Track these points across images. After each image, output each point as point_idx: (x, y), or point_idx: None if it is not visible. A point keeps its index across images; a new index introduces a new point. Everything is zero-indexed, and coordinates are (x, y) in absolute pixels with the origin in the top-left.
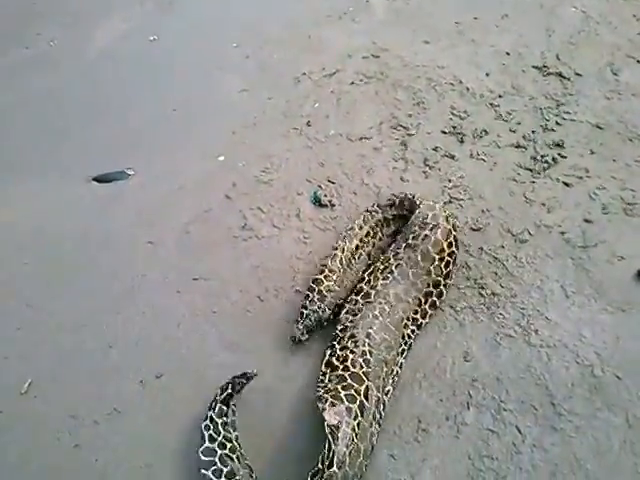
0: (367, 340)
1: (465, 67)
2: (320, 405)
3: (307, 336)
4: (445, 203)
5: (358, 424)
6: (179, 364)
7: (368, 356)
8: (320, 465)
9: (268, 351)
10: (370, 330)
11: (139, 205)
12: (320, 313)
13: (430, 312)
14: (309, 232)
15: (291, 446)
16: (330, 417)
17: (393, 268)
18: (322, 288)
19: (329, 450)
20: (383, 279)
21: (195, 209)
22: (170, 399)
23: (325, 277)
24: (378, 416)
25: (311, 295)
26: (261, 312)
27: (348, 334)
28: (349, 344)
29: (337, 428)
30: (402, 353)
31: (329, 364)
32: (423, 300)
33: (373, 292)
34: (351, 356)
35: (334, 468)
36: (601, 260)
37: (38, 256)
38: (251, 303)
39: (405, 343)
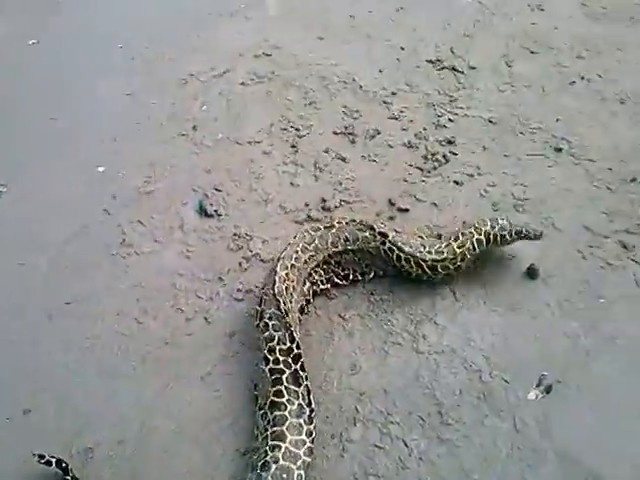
0: None
1: (359, 64)
2: None
3: None
4: (337, 207)
5: None
6: (50, 395)
7: None
8: None
9: (147, 376)
10: None
11: (10, 224)
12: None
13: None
14: (193, 245)
15: None
16: None
17: None
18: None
19: None
20: None
21: (71, 226)
22: (39, 435)
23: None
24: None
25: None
26: (139, 335)
27: None
28: None
29: None
30: None
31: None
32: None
33: None
34: None
35: None
36: (491, 260)
37: None
38: (128, 327)
39: None
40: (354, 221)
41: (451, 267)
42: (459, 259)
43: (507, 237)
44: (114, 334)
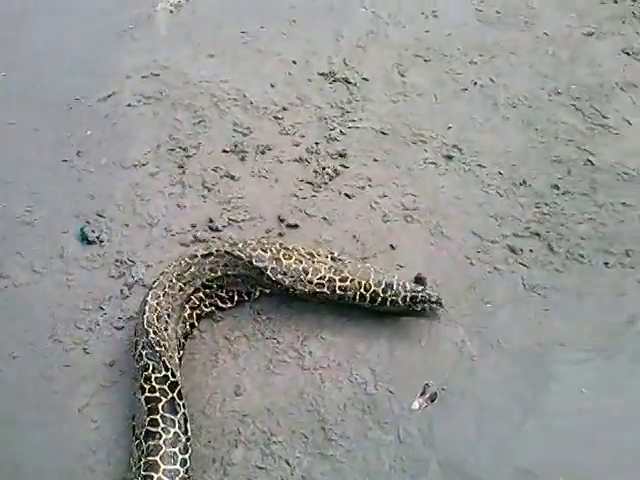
0: None
1: (250, 80)
2: None
3: None
4: (225, 226)
5: None
6: None
7: None
8: None
9: (22, 412)
10: None
11: None
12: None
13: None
14: (73, 274)
15: None
16: None
17: None
18: None
19: None
20: None
21: None
22: None
23: None
24: None
25: None
26: (13, 370)
27: None
28: None
29: None
30: None
31: None
32: None
33: None
34: None
35: None
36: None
37: None
38: (5, 361)
39: None
40: (229, 253)
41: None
42: (337, 298)
43: (399, 302)
44: None
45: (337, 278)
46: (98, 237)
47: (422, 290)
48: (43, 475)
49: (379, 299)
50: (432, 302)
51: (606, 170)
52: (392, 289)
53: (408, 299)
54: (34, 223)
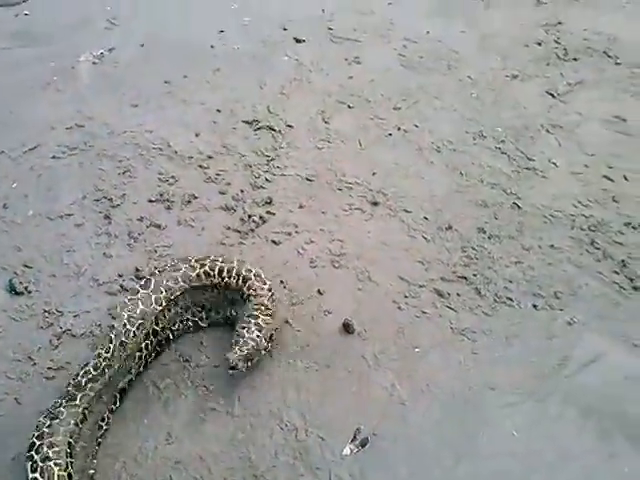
0: None
1: (174, 129)
2: None
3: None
4: (152, 275)
5: None
6: None
7: None
8: None
9: None
10: None
11: None
12: (258, 342)
13: None
14: (3, 325)
15: None
16: None
17: None
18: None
19: None
20: None
21: None
22: None
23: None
24: None
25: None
26: None
27: None
28: None
29: None
30: None
31: None
32: None
33: None
34: None
35: None
36: (308, 317)
37: None
38: None
39: None
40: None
41: None
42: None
43: None
44: None
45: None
46: (26, 288)
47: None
48: None
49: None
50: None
51: (532, 213)
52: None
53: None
54: None
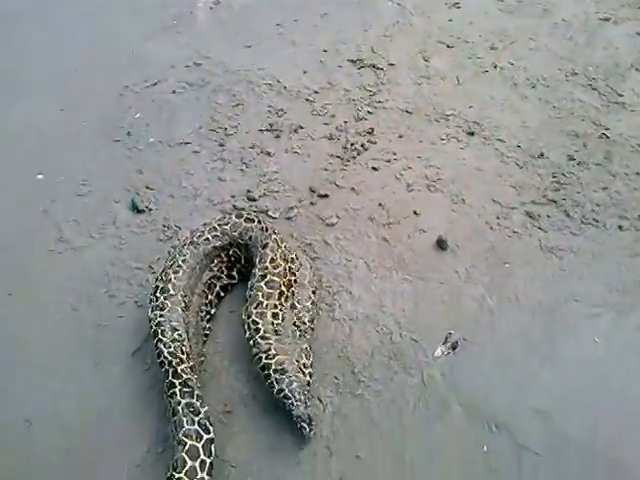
0: None
1: (284, 67)
2: None
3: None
4: (261, 196)
5: None
6: None
7: None
8: None
9: (81, 355)
10: None
11: None
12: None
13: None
14: (125, 238)
15: None
16: None
17: None
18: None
19: None
20: None
21: (9, 228)
22: None
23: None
24: None
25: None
26: (73, 320)
27: None
28: None
29: None
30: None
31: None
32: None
33: None
34: None
35: None
36: (404, 235)
37: None
38: (64, 312)
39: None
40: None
41: None
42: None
43: (282, 399)
44: (51, 321)
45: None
46: (147, 206)
47: (298, 409)
48: (104, 411)
49: (266, 372)
50: (302, 421)
51: (620, 143)
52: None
53: (287, 405)
54: (89, 194)
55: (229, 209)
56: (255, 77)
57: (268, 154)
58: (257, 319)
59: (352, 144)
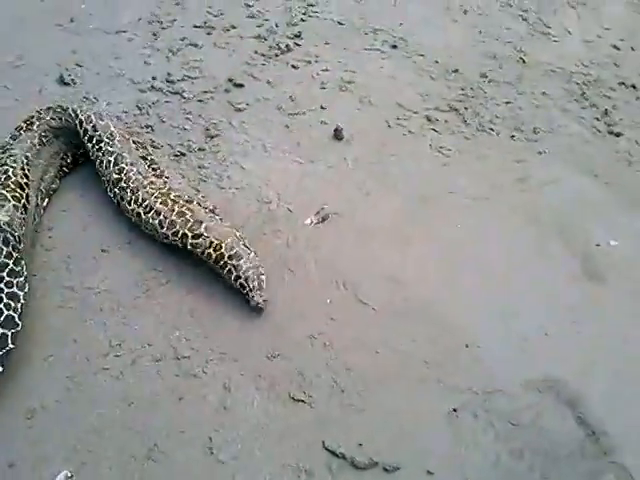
0: None
1: None
2: None
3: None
4: (180, 80)
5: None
6: None
7: None
8: None
9: None
10: None
11: None
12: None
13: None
14: (46, 104)
15: None
16: None
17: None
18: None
19: None
20: None
21: None
22: None
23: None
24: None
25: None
26: None
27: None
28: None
29: None
30: None
31: None
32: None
33: None
34: None
35: None
36: (305, 124)
37: None
38: None
39: None
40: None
41: None
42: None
43: (232, 277)
44: None
45: (190, 235)
46: (72, 80)
47: (253, 290)
48: None
49: (222, 262)
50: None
51: (535, 67)
52: (238, 261)
53: (238, 281)
54: (22, 67)
55: (146, 88)
56: None
57: (196, 46)
58: (173, 228)
59: (278, 44)
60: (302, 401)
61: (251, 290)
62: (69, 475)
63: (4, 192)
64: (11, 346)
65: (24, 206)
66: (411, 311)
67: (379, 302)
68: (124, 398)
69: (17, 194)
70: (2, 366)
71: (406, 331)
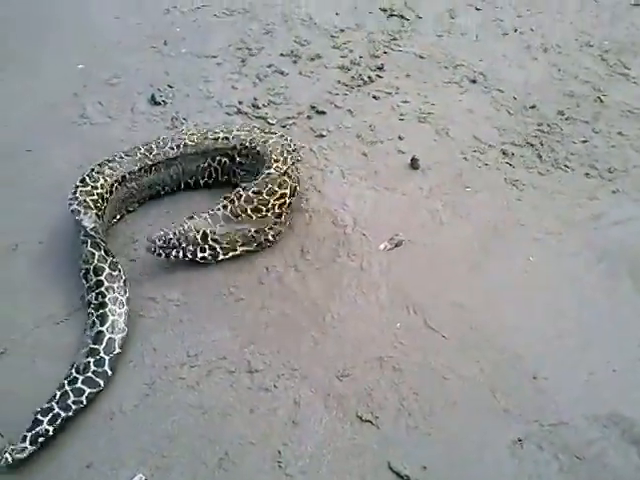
0: None
1: (319, 8)
2: None
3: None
4: (265, 105)
5: None
6: None
7: None
8: None
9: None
10: None
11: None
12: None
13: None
14: (138, 122)
15: None
16: None
17: None
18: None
19: None
20: None
21: (42, 103)
22: None
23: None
24: None
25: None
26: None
27: None
28: None
29: None
30: None
31: None
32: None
33: None
34: None
35: None
36: (383, 153)
37: None
38: (68, 175)
39: None
40: None
41: None
42: None
43: None
44: (58, 175)
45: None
46: (164, 100)
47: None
48: None
49: None
50: None
51: (612, 107)
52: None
53: None
54: (117, 85)
55: (234, 112)
56: (290, 13)
57: (282, 73)
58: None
59: (360, 75)
60: (369, 421)
61: None
62: (144, 478)
63: (88, 200)
64: (118, 350)
65: (101, 218)
66: (479, 339)
67: (448, 329)
68: (198, 407)
69: (99, 205)
70: (111, 370)
71: (473, 359)
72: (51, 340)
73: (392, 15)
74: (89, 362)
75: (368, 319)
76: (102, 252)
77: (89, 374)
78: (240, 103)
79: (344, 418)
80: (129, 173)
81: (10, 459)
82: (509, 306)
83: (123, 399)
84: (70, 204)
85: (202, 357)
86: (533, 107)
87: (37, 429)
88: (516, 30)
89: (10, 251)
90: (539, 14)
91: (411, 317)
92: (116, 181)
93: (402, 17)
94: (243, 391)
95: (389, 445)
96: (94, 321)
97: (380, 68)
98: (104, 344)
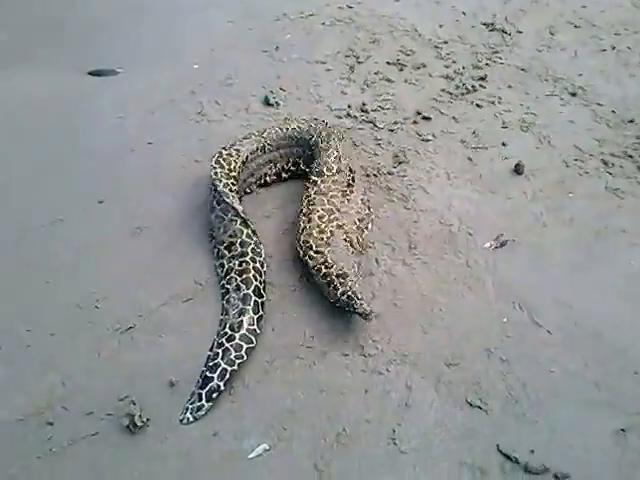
0: None
1: (424, 20)
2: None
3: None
4: (373, 110)
5: None
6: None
7: None
8: None
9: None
10: None
11: (118, 95)
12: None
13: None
14: (252, 121)
15: None
16: None
17: None
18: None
19: None
20: None
21: (162, 99)
22: None
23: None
24: None
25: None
26: (195, 169)
27: None
28: None
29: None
30: None
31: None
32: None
33: None
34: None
35: None
36: (487, 158)
37: None
38: (186, 166)
39: None
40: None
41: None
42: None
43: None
44: (177, 167)
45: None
46: (276, 102)
47: (357, 303)
48: None
49: (328, 279)
50: (359, 313)
51: None
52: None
53: (350, 305)
54: (232, 86)
55: (343, 115)
56: (396, 24)
57: (388, 80)
58: (307, 239)
59: (464, 84)
60: (479, 407)
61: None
62: (267, 448)
63: (228, 183)
64: (262, 313)
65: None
66: (583, 336)
67: (552, 325)
68: (316, 385)
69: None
70: (260, 329)
71: (578, 354)
72: (176, 317)
73: (494, 29)
74: (242, 321)
75: (475, 313)
76: (249, 230)
77: (243, 331)
78: (349, 107)
79: (454, 403)
80: (250, 153)
81: (192, 418)
82: (612, 305)
83: (246, 374)
84: (215, 186)
85: (318, 339)
86: (631, 121)
87: (210, 385)
88: (614, 48)
89: (136, 235)
90: (636, 34)
91: (517, 312)
92: (243, 162)
93: (503, 31)
94: (357, 373)
95: (498, 430)
96: (239, 285)
97: (483, 79)
98: (252, 305)
